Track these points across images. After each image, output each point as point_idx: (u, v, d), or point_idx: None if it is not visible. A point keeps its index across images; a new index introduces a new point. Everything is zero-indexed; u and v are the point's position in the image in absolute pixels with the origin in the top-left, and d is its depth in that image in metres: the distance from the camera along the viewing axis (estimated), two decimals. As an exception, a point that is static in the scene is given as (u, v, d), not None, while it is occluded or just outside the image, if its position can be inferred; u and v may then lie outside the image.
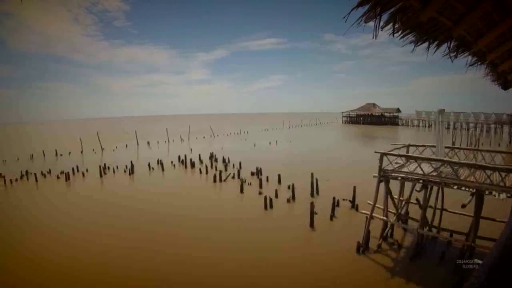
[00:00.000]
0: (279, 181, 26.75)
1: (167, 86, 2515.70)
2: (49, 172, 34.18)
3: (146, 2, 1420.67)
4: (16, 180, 30.99)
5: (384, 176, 13.61)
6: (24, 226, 18.80)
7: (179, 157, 39.49)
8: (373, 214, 14.17)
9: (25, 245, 15.91)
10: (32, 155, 47.71)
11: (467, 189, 11.64)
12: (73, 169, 33.95)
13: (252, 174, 30.48)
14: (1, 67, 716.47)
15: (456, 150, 16.04)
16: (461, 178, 11.62)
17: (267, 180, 27.51)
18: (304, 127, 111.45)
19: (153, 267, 13.35)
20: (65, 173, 31.58)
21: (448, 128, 77.55)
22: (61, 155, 48.57)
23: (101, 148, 54.61)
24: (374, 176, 14.05)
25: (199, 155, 40.22)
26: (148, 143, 62.81)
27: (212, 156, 39.97)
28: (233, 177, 29.61)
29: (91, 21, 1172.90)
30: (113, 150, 53.72)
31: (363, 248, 13.94)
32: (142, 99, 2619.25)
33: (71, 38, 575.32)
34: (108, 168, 35.43)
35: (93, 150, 52.97)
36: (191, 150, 49.65)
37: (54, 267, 13.53)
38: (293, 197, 22.18)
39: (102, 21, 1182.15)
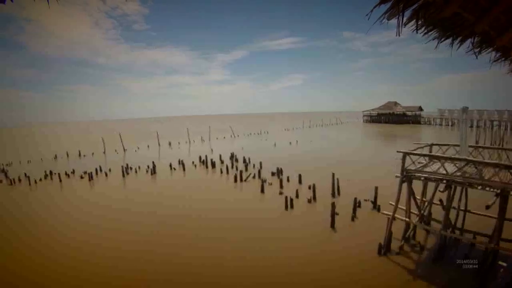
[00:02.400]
0: (300, 181, 26.74)
1: (186, 87, 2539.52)
2: (73, 172, 35.18)
3: (164, 5, 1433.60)
4: (40, 180, 32.01)
5: (406, 176, 13.48)
6: (40, 226, 19.52)
7: (200, 157, 39.93)
8: (395, 215, 14.04)
9: (37, 248, 16.49)
10: (56, 155, 49.17)
11: (491, 189, 11.43)
12: (96, 169, 34.84)
13: (273, 174, 30.55)
14: (25, 71, 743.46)
15: (480, 149, 15.72)
16: (485, 178, 11.43)
17: (288, 180, 27.55)
18: (324, 126, 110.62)
19: (170, 270, 13.69)
20: (88, 174, 32.43)
21: (471, 126, 75.64)
22: (84, 155, 49.90)
23: (123, 148, 55.77)
24: (397, 176, 13.92)
25: (220, 155, 40.55)
26: (170, 143, 63.70)
27: (232, 156, 40.22)
28: (253, 177, 29.78)
29: (111, 25, 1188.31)
30: (135, 150, 54.80)
31: (384, 249, 13.85)
32: (163, 100, 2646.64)
33: (92, 42, 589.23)
34: (131, 168, 36.17)
35: (116, 150, 54.17)
36: (212, 150, 50.19)
37: (66, 271, 13.95)
38: (314, 197, 22.15)
39: (122, 25, 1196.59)
